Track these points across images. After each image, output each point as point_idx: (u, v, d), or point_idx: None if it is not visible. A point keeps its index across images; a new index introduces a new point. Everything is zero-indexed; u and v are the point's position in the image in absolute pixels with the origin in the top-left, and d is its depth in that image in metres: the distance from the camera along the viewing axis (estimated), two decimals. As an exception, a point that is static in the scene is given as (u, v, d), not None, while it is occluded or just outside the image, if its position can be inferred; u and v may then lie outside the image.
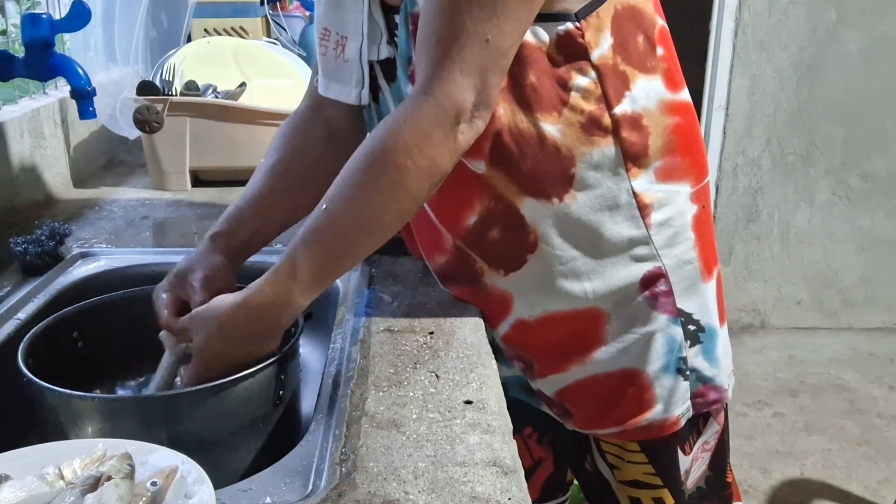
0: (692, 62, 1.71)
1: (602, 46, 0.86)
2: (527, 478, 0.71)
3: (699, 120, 2.27)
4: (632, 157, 0.89)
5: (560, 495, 1.21)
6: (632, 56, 0.89)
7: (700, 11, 3.09)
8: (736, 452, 2.51)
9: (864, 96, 3.05)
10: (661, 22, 0.93)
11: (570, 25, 0.85)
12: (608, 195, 0.90)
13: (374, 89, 0.97)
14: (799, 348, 3.17)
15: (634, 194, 0.90)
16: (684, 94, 0.95)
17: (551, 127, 0.86)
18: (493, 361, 0.88)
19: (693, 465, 1.06)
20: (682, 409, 0.99)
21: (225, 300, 0.84)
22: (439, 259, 1.00)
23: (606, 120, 0.88)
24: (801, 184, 3.17)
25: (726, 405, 1.06)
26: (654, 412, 0.98)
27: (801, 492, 2.35)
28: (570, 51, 0.86)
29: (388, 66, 0.93)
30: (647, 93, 0.90)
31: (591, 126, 0.87)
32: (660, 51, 0.91)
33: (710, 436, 1.06)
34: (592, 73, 0.86)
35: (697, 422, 1.03)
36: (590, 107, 0.87)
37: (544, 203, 0.90)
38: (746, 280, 3.29)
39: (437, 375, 0.83)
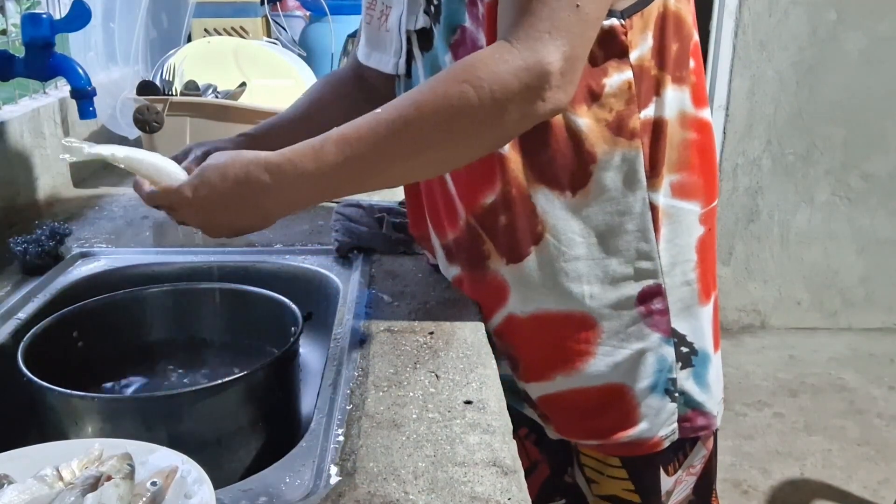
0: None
1: (641, 48, 0.86)
2: (525, 479, 0.71)
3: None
4: (650, 166, 0.88)
5: (558, 497, 1.20)
6: (666, 63, 0.87)
7: (700, 11, 3.08)
8: (736, 452, 2.52)
9: (864, 96, 3.05)
10: (696, 37, 0.92)
11: (614, 22, 0.84)
12: (622, 200, 0.89)
13: (408, 60, 0.95)
14: (799, 348, 3.17)
15: (651, 206, 0.89)
16: (706, 113, 0.93)
17: (579, 120, 0.85)
18: (493, 361, 0.88)
19: (676, 486, 1.03)
20: (667, 430, 0.97)
21: (246, 153, 0.81)
22: (450, 234, 0.98)
23: (634, 123, 0.86)
24: (801, 184, 3.17)
25: (716, 431, 1.04)
26: (638, 430, 0.96)
27: (801, 492, 2.35)
28: (610, 47, 0.84)
29: (425, 36, 0.92)
30: (671, 102, 0.89)
31: (618, 126, 0.86)
32: (692, 63, 0.91)
33: (696, 459, 1.04)
34: (629, 73, 0.85)
35: (684, 444, 1.01)
36: (620, 106, 0.86)
37: (557, 195, 0.89)
38: (746, 280, 3.29)
39: (437, 375, 0.83)
